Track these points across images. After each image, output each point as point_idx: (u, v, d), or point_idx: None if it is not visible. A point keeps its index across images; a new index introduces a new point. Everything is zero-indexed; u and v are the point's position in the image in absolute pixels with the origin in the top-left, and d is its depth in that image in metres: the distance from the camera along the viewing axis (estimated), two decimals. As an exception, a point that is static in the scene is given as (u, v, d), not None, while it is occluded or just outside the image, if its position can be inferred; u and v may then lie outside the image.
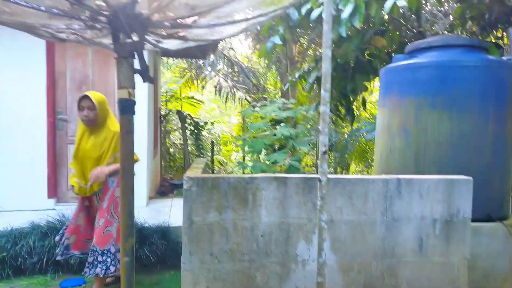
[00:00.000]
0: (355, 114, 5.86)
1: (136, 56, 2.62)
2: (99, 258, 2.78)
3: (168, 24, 2.76)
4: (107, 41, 3.05)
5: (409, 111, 3.05)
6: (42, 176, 4.50)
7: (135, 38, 2.61)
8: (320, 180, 1.94)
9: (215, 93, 11.28)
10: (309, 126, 6.37)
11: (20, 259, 3.33)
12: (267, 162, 4.31)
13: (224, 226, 2.29)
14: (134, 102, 2.65)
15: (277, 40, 4.52)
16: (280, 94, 10.55)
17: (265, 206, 2.29)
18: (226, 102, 10.93)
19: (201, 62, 10.67)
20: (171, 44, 3.34)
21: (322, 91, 1.97)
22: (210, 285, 2.29)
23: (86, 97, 2.82)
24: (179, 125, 11.53)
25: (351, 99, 5.20)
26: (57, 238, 3.10)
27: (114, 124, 2.94)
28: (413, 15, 4.87)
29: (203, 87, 12.03)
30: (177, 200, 5.51)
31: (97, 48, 4.37)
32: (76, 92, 4.69)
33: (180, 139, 11.33)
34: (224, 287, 2.29)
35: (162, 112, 8.45)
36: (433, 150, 2.93)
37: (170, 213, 4.69)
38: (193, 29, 3.01)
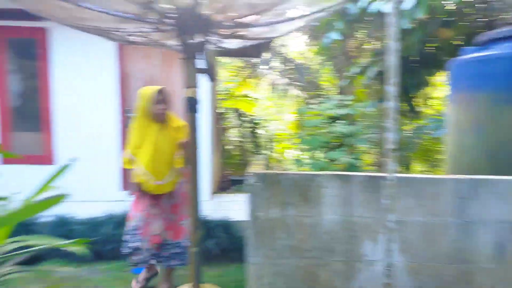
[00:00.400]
0: (418, 111, 5.59)
1: (200, 56, 2.75)
2: (176, 250, 2.94)
3: (229, 24, 2.85)
4: (172, 42, 3.21)
5: (482, 107, 2.85)
6: (115, 170, 4.85)
7: (199, 39, 2.73)
8: (388, 179, 1.90)
9: (270, 91, 11.35)
10: (368, 124, 6.19)
11: (98, 246, 3.64)
12: (325, 160, 4.27)
13: (286, 222, 2.32)
14: (198, 101, 2.78)
15: (335, 35, 4.45)
16: (336, 90, 10.35)
17: (328, 204, 2.28)
18: (281, 99, 10.96)
19: (256, 60, 10.80)
20: (231, 44, 3.44)
21: (388, 86, 1.92)
22: (273, 280, 2.33)
23: (161, 90, 2.85)
24: (236, 123, 11.78)
25: (414, 94, 4.97)
26: (133, 243, 2.90)
27: (172, 116, 2.99)
28: (481, 4, 4.54)
29: (258, 85, 12.16)
30: (237, 195, 5.65)
31: (163, 49, 4.63)
32: (143, 92, 4.98)
33: (236, 136, 11.57)
34: (286, 283, 2.32)
35: (220, 111, 8.68)
36: (510, 149, 2.72)
37: (232, 208, 4.83)
38: (253, 28, 3.08)
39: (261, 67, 10.62)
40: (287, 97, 11.07)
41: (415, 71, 4.50)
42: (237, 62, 12.35)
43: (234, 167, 10.07)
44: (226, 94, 9.34)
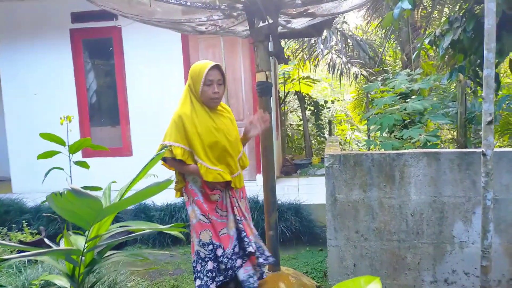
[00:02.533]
0: (500, 80, 5.09)
1: (271, 38, 2.73)
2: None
3: (299, 2, 2.78)
4: (241, 28, 3.21)
5: None
6: (184, 159, 5.06)
7: (269, 21, 2.70)
8: (484, 154, 1.75)
9: (328, 71, 11.03)
10: (442, 98, 5.78)
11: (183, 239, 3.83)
12: (398, 139, 4.07)
13: (369, 204, 2.24)
14: (271, 84, 2.76)
15: (406, 4, 4.15)
16: (401, 65, 9.78)
17: (414, 184, 2.17)
18: (340, 79, 10.61)
19: (312, 40, 10.52)
20: (299, 23, 3.36)
21: (485, 51, 1.75)
22: (357, 262, 2.28)
23: (215, 67, 2.16)
24: (295, 106, 11.64)
25: (495, 62, 4.52)
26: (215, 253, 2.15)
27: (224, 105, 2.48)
28: None
29: (315, 66, 11.90)
30: (302, 179, 5.63)
31: (230, 37, 4.67)
32: (207, 81, 5.09)
33: (297, 120, 11.45)
34: (371, 265, 2.27)
35: (280, 95, 8.63)
36: None
37: (298, 191, 4.82)
38: (323, 4, 2.97)
39: (318, 46, 10.32)
40: (347, 76, 10.68)
41: (498, 36, 4.07)
42: (293, 44, 12.15)
43: (294, 151, 10.03)
44: (286, 77, 9.25)
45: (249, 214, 2.41)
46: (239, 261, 2.16)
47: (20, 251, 1.48)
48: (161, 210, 4.07)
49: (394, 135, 4.42)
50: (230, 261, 2.12)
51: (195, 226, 2.15)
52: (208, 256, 2.10)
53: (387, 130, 4.62)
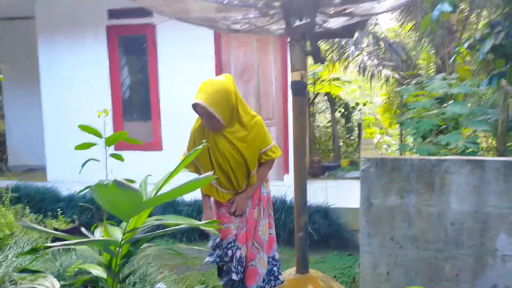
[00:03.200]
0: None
1: (306, 38, 2.68)
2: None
3: (338, 1, 2.72)
4: (275, 26, 3.18)
5: None
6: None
7: (306, 19, 2.66)
8: (537, 164, 1.64)
9: (358, 73, 10.83)
10: (481, 103, 5.55)
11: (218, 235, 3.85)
12: (434, 145, 3.93)
13: (406, 211, 2.17)
14: (306, 84, 2.72)
15: (446, 7, 4.00)
16: (434, 69, 9.48)
17: (456, 192, 2.08)
18: (370, 81, 10.40)
19: (343, 41, 10.36)
20: (335, 23, 3.29)
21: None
22: (391, 270, 2.21)
23: (195, 105, 2.14)
24: (323, 108, 11.51)
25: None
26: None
27: (247, 113, 2.26)
28: None
29: (345, 67, 11.71)
30: (330, 182, 5.54)
31: (262, 36, 4.66)
32: (239, 79, 5.10)
33: (324, 122, 11.32)
34: (406, 274, 2.19)
35: (309, 96, 8.55)
36: None
37: (327, 194, 4.74)
38: (362, 4, 2.90)
39: (349, 48, 10.15)
40: (378, 79, 10.45)
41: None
42: (323, 45, 12.01)
43: (322, 153, 9.91)
44: (316, 78, 9.16)
45: (265, 220, 2.43)
46: (230, 252, 2.30)
47: (55, 238, 1.52)
48: (190, 205, 4.11)
49: (431, 141, 4.27)
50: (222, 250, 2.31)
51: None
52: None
53: (421, 135, 4.47)
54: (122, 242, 1.37)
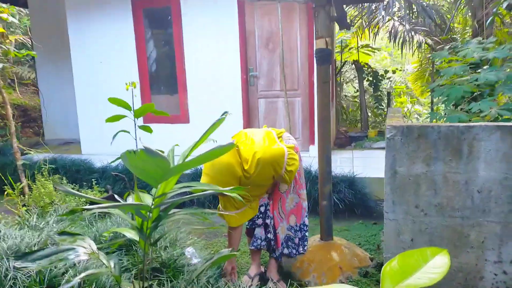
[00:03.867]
0: None
1: (332, 3, 2.61)
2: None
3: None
4: (299, -6, 3.11)
5: None
6: (239, 127, 5.13)
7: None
8: None
9: (389, 40, 10.41)
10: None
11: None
12: (465, 113, 3.79)
13: (432, 179, 2.15)
14: (331, 52, 2.67)
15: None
16: (471, 33, 8.97)
17: (484, 159, 2.03)
18: (401, 48, 9.99)
19: (373, 6, 9.92)
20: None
21: None
22: (415, 237, 2.22)
23: None
24: (351, 77, 11.22)
25: None
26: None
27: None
28: None
29: (375, 34, 11.28)
30: (357, 152, 5.50)
31: (286, 3, 4.56)
32: (264, 49, 5.05)
33: (352, 91, 11.07)
34: (430, 241, 2.19)
35: (336, 64, 8.35)
36: None
37: (353, 164, 4.73)
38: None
39: (379, 13, 9.73)
40: (409, 45, 10.01)
41: None
42: (351, 10, 11.56)
43: (348, 124, 9.76)
44: (344, 46, 8.90)
45: (294, 194, 2.51)
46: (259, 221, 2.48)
47: (91, 203, 1.64)
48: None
49: (461, 109, 4.12)
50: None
51: None
52: None
53: (453, 103, 4.32)
54: (152, 206, 1.45)
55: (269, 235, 2.45)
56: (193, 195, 1.58)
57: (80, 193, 1.30)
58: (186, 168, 1.34)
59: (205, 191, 1.57)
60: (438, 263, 0.89)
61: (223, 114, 1.79)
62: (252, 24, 5.01)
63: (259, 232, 2.47)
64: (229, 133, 5.10)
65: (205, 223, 2.93)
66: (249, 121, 5.19)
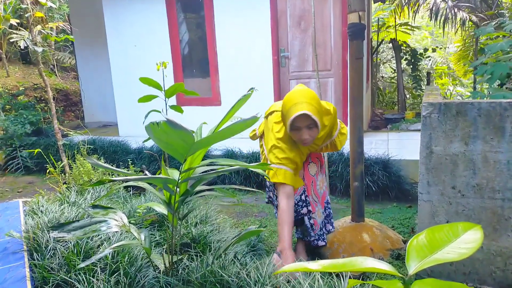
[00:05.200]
0: None
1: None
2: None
3: None
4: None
5: None
6: (270, 109, 5.10)
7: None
8: None
9: (430, 18, 9.87)
10: None
11: (260, 177, 3.97)
12: (510, 91, 3.54)
13: (470, 158, 2.03)
14: (364, 27, 2.56)
15: None
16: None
17: (530, 137, 1.89)
18: (443, 27, 9.45)
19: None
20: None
21: None
22: (450, 219, 2.13)
23: (302, 116, 1.94)
24: (389, 57, 10.79)
25: None
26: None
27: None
28: None
29: (414, 12, 10.74)
30: (393, 134, 5.32)
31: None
32: (296, 29, 4.94)
33: (389, 72, 10.67)
34: (467, 224, 2.09)
35: (373, 44, 8.05)
36: None
37: (388, 146, 4.58)
38: None
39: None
40: (452, 23, 9.45)
41: None
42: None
43: (385, 106, 9.44)
44: (381, 24, 8.54)
45: (323, 175, 2.52)
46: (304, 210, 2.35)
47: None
48: (247, 157, 4.24)
49: (507, 88, 3.86)
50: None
51: None
52: None
53: (498, 81, 4.05)
54: (179, 180, 1.47)
55: (311, 221, 2.39)
56: (219, 170, 1.59)
57: (106, 165, 1.34)
58: (211, 142, 1.34)
59: (232, 166, 1.57)
60: (470, 239, 0.84)
61: (249, 90, 1.78)
62: (284, 3, 4.90)
63: (307, 220, 2.38)
64: (261, 115, 5.07)
65: (234, 201, 2.96)
66: (280, 103, 5.14)
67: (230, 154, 4.42)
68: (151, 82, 2.47)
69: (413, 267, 0.79)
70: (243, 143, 4.61)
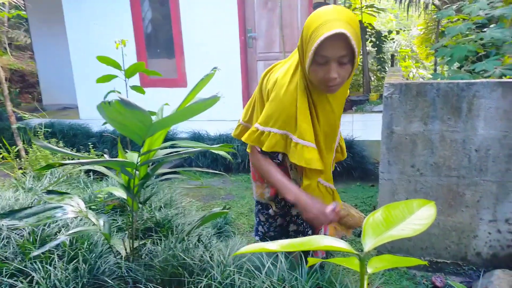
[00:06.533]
0: None
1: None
2: None
3: None
4: None
5: None
6: (238, 90, 5.05)
7: None
8: None
9: (395, 1, 10.03)
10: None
11: (227, 160, 3.95)
12: (469, 73, 3.68)
13: (429, 138, 2.09)
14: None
15: None
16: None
17: (484, 117, 1.97)
18: (407, 10, 9.64)
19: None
20: None
21: None
22: (409, 196, 2.20)
23: (338, 36, 1.18)
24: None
25: None
26: None
27: None
28: None
29: (380, -6, 10.87)
30: (357, 115, 5.43)
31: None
32: (262, 9, 4.86)
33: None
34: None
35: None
36: None
37: (353, 127, 4.67)
38: None
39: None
40: (416, 7, 9.65)
41: None
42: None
43: (353, 88, 9.58)
44: (347, 6, 8.57)
45: None
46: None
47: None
48: (214, 139, 4.19)
49: (465, 69, 4.00)
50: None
51: None
52: None
53: (457, 63, 4.18)
54: (138, 164, 1.42)
55: None
56: (180, 152, 1.54)
57: (56, 148, 1.27)
58: (170, 123, 1.29)
59: (194, 148, 1.53)
60: (424, 215, 0.86)
61: (212, 69, 1.73)
62: (250, -18, 4.80)
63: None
64: (228, 97, 4.99)
65: (198, 183, 2.92)
66: (247, 84, 5.09)
67: (197, 137, 4.35)
68: (109, 61, 2.35)
69: (368, 244, 0.80)
70: (210, 125, 4.56)
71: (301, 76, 1.38)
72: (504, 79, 1.95)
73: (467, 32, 3.83)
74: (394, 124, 2.16)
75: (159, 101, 4.42)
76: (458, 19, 4.01)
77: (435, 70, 5.41)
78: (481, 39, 3.63)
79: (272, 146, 1.44)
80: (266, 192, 1.72)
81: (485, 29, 3.95)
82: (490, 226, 2.09)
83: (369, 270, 0.78)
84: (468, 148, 2.03)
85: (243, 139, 1.53)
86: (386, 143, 2.20)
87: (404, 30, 11.65)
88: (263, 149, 1.46)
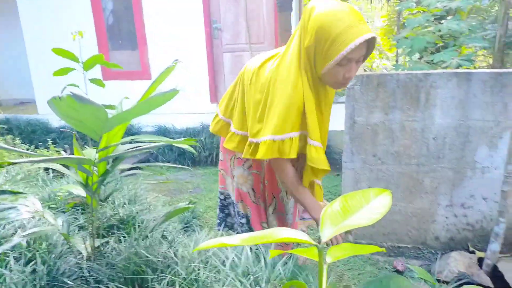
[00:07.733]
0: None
1: None
2: None
3: None
4: None
5: None
6: (204, 83, 4.97)
7: None
8: (523, 73, 1.58)
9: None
10: (481, 19, 5.27)
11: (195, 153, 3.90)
12: (428, 64, 3.81)
13: (390, 127, 2.15)
14: (292, -3, 2.55)
15: None
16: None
17: (440, 107, 2.04)
18: (370, 2, 9.86)
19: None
20: None
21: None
22: (372, 184, 2.27)
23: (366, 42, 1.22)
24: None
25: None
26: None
27: None
28: None
29: (344, -14, 11.02)
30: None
31: None
32: (228, 0, 4.79)
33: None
34: (387, 187, 2.22)
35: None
36: None
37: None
38: None
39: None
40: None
41: None
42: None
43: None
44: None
45: None
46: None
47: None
48: (181, 133, 4.13)
49: (424, 60, 4.14)
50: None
51: None
52: None
53: (417, 55, 4.32)
54: (95, 160, 1.37)
55: None
56: (141, 147, 1.50)
57: (8, 147, 1.19)
58: (128, 118, 1.25)
59: (156, 142, 1.49)
60: (380, 204, 0.88)
61: (173, 62, 1.68)
62: (214, -28, 4.72)
63: None
64: (194, 90, 4.93)
65: (163, 178, 2.87)
66: (214, 77, 5.03)
67: (163, 131, 4.28)
68: (65, 53, 2.24)
69: (326, 234, 0.81)
70: (177, 119, 4.48)
71: (306, 73, 1.33)
72: (459, 70, 2.03)
73: (426, 24, 3.96)
74: (356, 114, 2.20)
75: (122, 94, 4.29)
76: (418, 11, 4.14)
77: (397, 61, 5.56)
78: (439, 30, 3.76)
79: (297, 152, 1.38)
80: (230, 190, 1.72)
81: (443, 21, 4.09)
82: (447, 211, 2.18)
83: (329, 259, 0.79)
84: (426, 137, 2.11)
85: (259, 157, 1.38)
86: (349, 133, 2.25)
87: (367, 22, 11.88)
88: (290, 157, 1.36)
